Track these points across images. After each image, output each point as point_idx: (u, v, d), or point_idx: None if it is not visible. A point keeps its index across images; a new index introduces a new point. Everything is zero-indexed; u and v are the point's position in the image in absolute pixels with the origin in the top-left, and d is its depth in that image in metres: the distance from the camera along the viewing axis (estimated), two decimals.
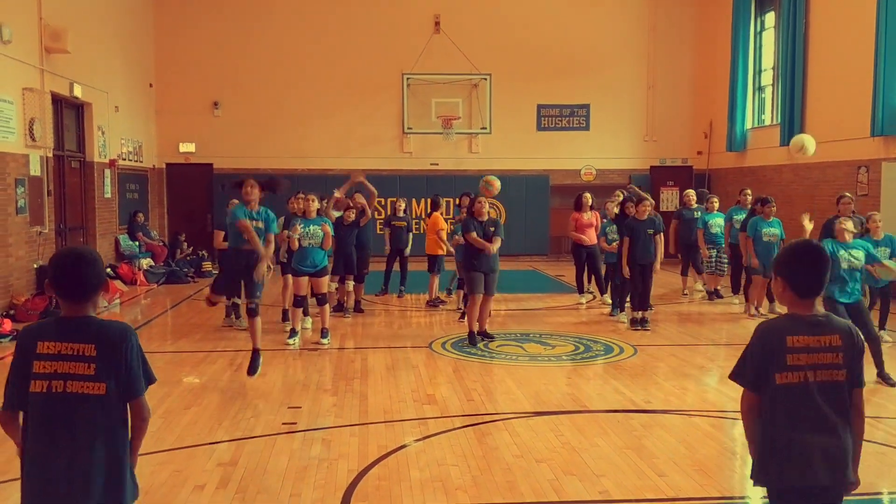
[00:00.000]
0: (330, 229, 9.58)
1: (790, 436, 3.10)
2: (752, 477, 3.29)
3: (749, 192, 12.85)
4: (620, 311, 11.28)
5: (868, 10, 13.73)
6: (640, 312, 10.58)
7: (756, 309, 11.48)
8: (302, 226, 9.47)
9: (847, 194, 10.77)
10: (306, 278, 9.47)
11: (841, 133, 14.79)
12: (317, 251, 9.46)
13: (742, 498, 5.12)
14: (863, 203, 14.13)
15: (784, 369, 3.11)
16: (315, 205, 9.63)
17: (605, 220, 12.16)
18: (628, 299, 11.02)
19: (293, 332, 9.62)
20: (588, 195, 12.88)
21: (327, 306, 9.79)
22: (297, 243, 9.41)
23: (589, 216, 12.56)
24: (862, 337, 3.27)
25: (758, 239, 11.13)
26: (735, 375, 3.29)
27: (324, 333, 9.67)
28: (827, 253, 3.26)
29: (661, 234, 10.77)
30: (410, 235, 13.32)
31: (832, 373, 3.13)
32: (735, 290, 12.80)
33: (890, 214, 13.44)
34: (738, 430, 6.52)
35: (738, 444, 6.19)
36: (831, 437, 3.10)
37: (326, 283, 9.91)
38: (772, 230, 11.14)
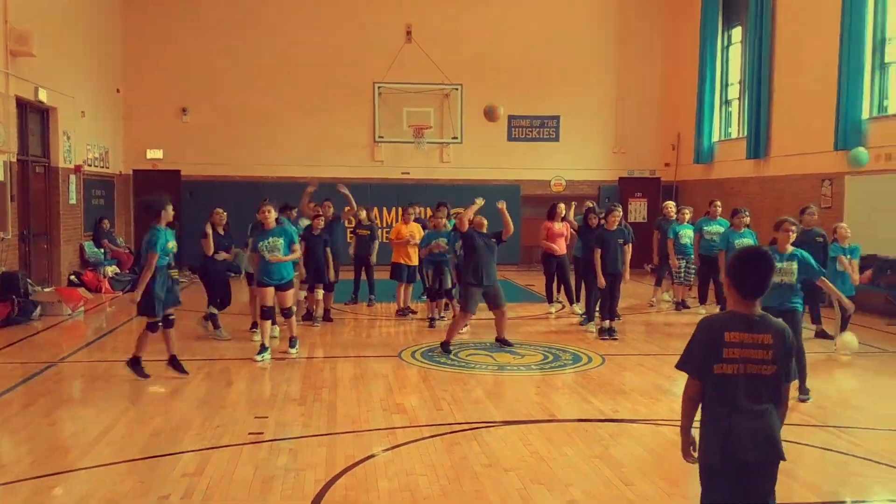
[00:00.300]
0: (296, 240, 9.42)
1: (724, 420, 3.44)
2: (685, 456, 3.72)
3: (719, 203, 12.98)
4: (590, 321, 11.34)
5: (832, 26, 14.00)
6: (608, 322, 10.66)
7: None
8: (260, 240, 9.20)
9: (811, 206, 11.00)
10: (272, 289, 9.23)
11: (805, 147, 15.05)
12: (283, 263, 9.25)
13: None
14: (826, 215, 14.37)
15: (721, 361, 3.46)
16: (272, 215, 9.31)
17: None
18: (597, 309, 11.09)
19: (263, 349, 9.26)
20: (562, 205, 12.92)
21: (293, 318, 9.60)
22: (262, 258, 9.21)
23: (560, 226, 12.66)
24: (793, 339, 3.54)
25: (731, 251, 11.00)
26: (681, 364, 3.69)
27: (292, 343, 9.50)
28: (771, 259, 3.55)
29: (630, 244, 10.86)
30: (376, 244, 13.28)
31: (761, 367, 3.45)
32: (702, 301, 12.93)
33: (852, 227, 13.70)
34: None
35: None
36: (758, 421, 3.42)
37: (293, 297, 9.66)
38: (744, 241, 11.01)
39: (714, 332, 3.52)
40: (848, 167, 13.76)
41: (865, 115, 13.65)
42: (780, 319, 3.59)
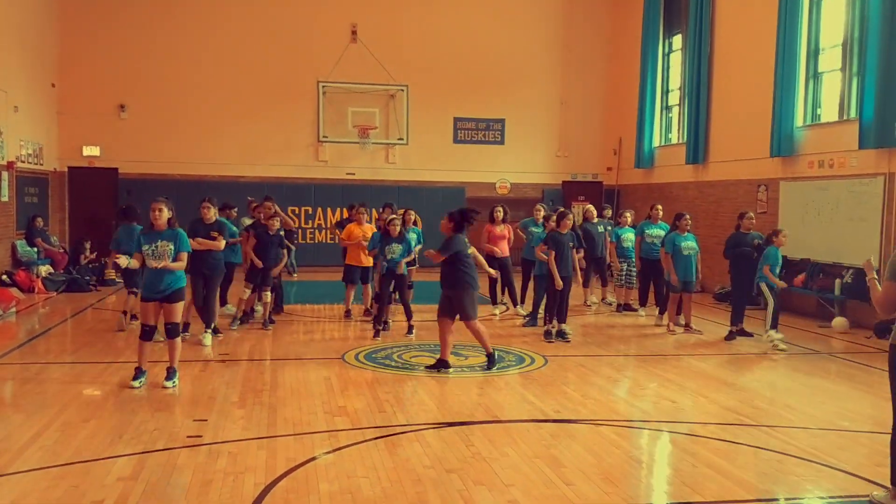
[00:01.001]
0: (187, 249, 7.92)
1: None
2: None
3: (660, 207, 13.17)
4: (534, 324, 11.49)
5: (769, 36, 14.39)
6: (557, 325, 10.73)
7: (673, 324, 11.64)
8: (145, 243, 7.73)
9: (749, 212, 11.34)
10: (154, 304, 7.80)
11: (742, 153, 15.44)
12: (171, 273, 7.75)
13: None
14: (763, 220, 14.76)
15: None
16: (164, 214, 7.76)
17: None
18: (541, 312, 11.21)
19: (139, 373, 7.88)
20: (500, 208, 13.06)
21: (179, 341, 8.02)
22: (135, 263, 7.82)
23: (501, 228, 12.84)
24: None
25: (677, 253, 11.31)
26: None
27: (170, 374, 7.90)
28: None
29: (581, 248, 11.10)
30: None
31: None
32: (643, 303, 13.13)
33: (787, 230, 14.08)
34: (644, 439, 6.69)
35: (644, 453, 6.34)
36: None
37: (180, 311, 8.07)
38: (688, 244, 11.32)
39: None
40: (783, 173, 14.17)
41: (799, 122, 14.06)
42: None
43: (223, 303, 12.17)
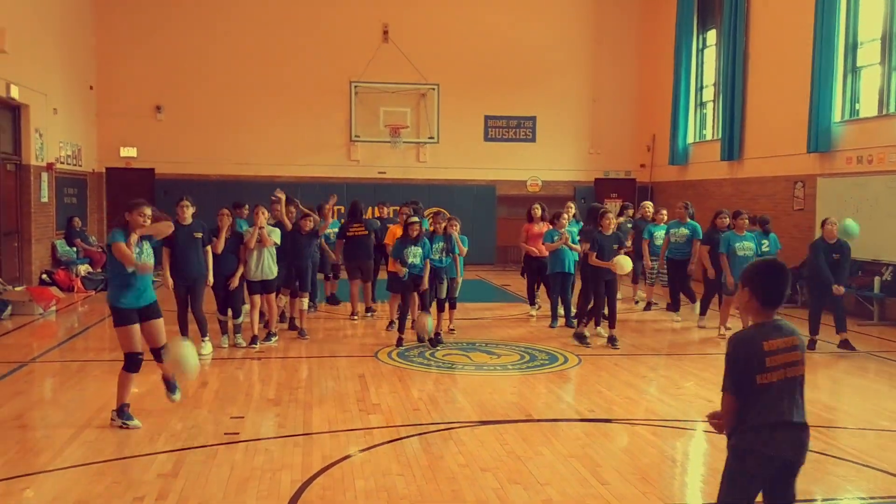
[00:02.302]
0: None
1: (768, 427, 3.52)
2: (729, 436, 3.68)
3: (688, 204, 12.92)
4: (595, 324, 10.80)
5: (805, 30, 14.18)
6: (608, 330, 10.24)
7: (724, 328, 10.97)
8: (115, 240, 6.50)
9: (832, 217, 10.48)
10: (137, 326, 6.65)
11: (779, 149, 15.23)
12: (149, 281, 6.81)
13: None
14: (799, 217, 14.57)
15: (764, 370, 3.51)
16: (149, 211, 6.71)
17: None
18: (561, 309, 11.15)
19: (125, 415, 6.47)
20: (538, 206, 12.68)
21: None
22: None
23: (540, 227, 12.28)
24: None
25: (732, 254, 10.55)
26: (726, 387, 3.60)
27: (171, 387, 6.81)
28: (787, 268, 3.71)
29: (623, 246, 10.40)
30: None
31: (797, 368, 3.60)
32: (675, 308, 12.53)
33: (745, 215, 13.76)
34: (679, 438, 6.65)
35: (679, 453, 6.30)
36: (798, 423, 3.60)
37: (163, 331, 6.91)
38: (746, 244, 10.60)
39: (752, 345, 3.55)
40: (821, 170, 13.97)
41: (837, 118, 13.84)
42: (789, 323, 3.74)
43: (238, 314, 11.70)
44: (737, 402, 3.54)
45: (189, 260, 9.03)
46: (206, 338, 9.43)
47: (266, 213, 9.91)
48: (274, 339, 10.06)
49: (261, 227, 9.63)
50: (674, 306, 12.60)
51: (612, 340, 10.16)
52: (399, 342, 10.07)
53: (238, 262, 9.61)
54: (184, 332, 8.91)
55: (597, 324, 10.61)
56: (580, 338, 10.28)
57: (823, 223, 10.34)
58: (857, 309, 12.86)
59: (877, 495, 5.30)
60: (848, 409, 7.48)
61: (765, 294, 3.62)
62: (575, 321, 10.96)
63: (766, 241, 11.59)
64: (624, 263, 9.91)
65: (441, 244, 10.21)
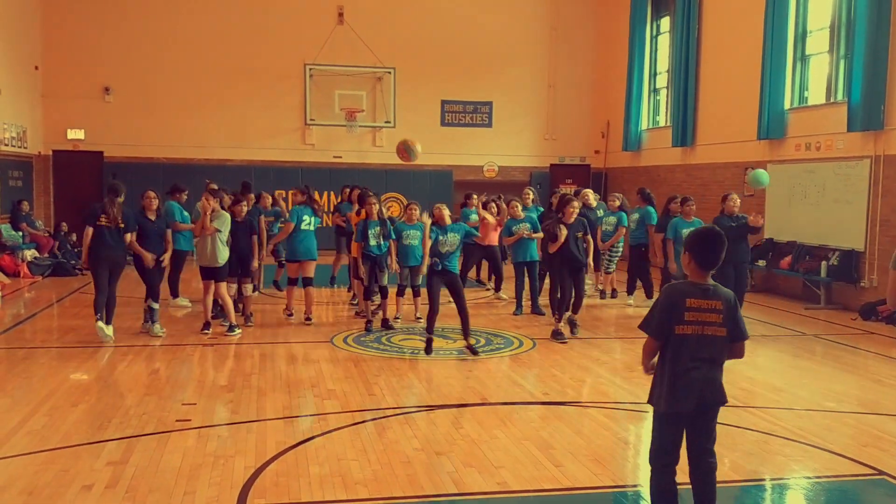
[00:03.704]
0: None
1: (683, 374, 4.09)
2: (649, 401, 4.40)
3: (642, 189, 13.05)
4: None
5: (757, 18, 14.39)
6: (570, 316, 10.00)
7: None
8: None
9: (733, 193, 10.93)
10: None
11: (729, 136, 15.47)
12: None
13: (634, 486, 5.28)
14: (749, 203, 14.81)
15: (682, 323, 4.07)
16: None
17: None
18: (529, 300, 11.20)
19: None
20: (475, 196, 13.22)
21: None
22: None
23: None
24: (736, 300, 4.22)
25: (678, 241, 10.35)
26: (643, 325, 4.29)
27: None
28: (723, 237, 4.14)
29: (587, 234, 10.06)
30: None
31: (715, 329, 4.08)
32: (629, 291, 12.68)
33: (773, 213, 14.18)
34: (632, 420, 6.74)
35: (632, 435, 6.38)
36: (711, 373, 4.12)
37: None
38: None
39: (676, 298, 4.09)
40: (770, 156, 14.23)
41: (787, 105, 14.09)
42: (728, 289, 4.22)
43: (175, 294, 11.61)
44: (655, 345, 4.22)
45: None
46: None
47: (211, 199, 9.68)
48: (237, 331, 9.72)
49: (204, 214, 9.50)
50: (629, 290, 12.70)
51: (572, 325, 10.02)
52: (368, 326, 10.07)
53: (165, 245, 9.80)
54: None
55: (559, 318, 9.96)
56: (557, 335, 9.75)
57: (725, 198, 10.68)
58: (804, 293, 13.17)
59: (823, 474, 5.43)
60: (795, 390, 7.66)
61: (701, 258, 4.11)
62: (543, 309, 10.97)
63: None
64: None
65: (377, 229, 9.96)
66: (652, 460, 4.31)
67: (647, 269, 12.51)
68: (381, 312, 10.29)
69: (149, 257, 9.42)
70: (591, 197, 12.97)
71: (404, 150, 11.18)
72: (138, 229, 9.37)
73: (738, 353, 4.23)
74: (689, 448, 4.25)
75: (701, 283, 4.12)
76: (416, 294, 10.80)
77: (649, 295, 12.18)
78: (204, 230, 9.47)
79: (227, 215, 9.78)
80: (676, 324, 4.06)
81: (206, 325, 9.71)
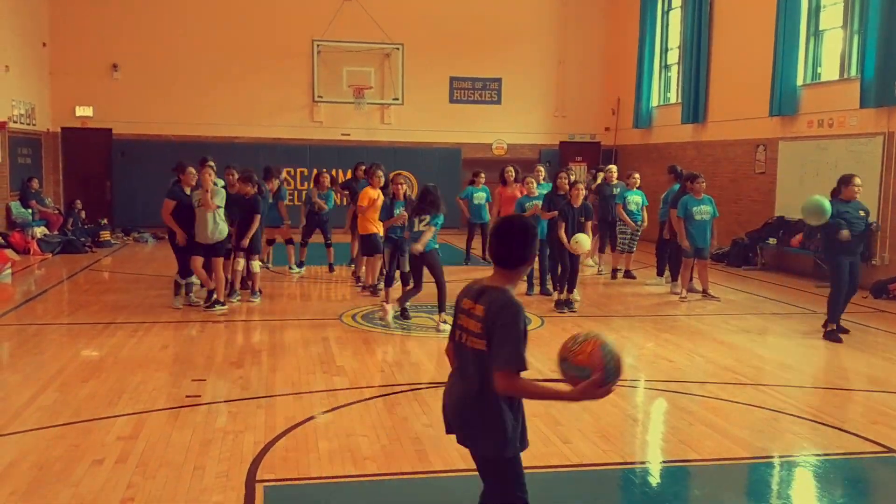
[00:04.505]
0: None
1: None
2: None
3: (637, 175, 12.84)
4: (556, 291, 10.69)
5: None
6: (565, 294, 10.21)
7: (686, 291, 11.06)
8: None
9: (856, 177, 9.98)
10: None
11: (741, 112, 15.32)
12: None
13: (643, 463, 5.28)
14: (760, 180, 14.73)
15: (455, 326, 3.42)
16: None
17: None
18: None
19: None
20: (511, 169, 12.53)
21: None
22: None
23: (513, 189, 12.17)
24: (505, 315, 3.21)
25: (689, 218, 10.65)
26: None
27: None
28: (535, 228, 3.34)
29: (589, 219, 10.26)
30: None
31: (473, 339, 3.22)
32: (660, 273, 12.44)
33: (785, 190, 14.08)
34: (640, 398, 6.73)
35: (640, 412, 6.38)
36: (453, 398, 3.38)
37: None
38: (703, 208, 10.70)
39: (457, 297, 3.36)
40: (782, 133, 14.10)
41: (799, 81, 13.93)
42: (498, 292, 3.21)
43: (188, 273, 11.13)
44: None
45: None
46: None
47: (213, 174, 9.69)
48: (219, 307, 9.60)
49: (205, 190, 9.46)
50: (659, 271, 12.49)
51: (568, 304, 10.16)
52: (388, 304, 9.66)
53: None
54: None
55: (560, 291, 10.31)
56: (565, 304, 10.07)
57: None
58: (815, 271, 13.09)
59: (832, 452, 5.42)
60: (805, 368, 7.63)
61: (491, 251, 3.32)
62: (551, 289, 10.88)
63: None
64: (583, 242, 9.95)
65: (402, 210, 9.58)
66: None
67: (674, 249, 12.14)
68: (392, 292, 10.14)
69: (182, 235, 9.61)
70: (614, 173, 13.02)
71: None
72: (176, 205, 9.55)
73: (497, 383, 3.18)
74: None
75: (476, 280, 3.38)
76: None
77: (675, 277, 11.65)
78: (206, 206, 9.44)
79: (223, 192, 9.75)
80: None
81: (231, 292, 10.16)
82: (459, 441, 3.35)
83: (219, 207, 9.50)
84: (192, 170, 9.80)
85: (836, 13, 13.42)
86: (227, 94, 19.22)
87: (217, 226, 9.52)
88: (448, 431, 3.38)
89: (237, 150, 17.75)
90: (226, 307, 9.73)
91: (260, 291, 10.54)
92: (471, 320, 3.17)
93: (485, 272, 11.50)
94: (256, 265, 10.46)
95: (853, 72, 12.81)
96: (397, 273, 9.84)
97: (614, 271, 12.98)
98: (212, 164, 10.44)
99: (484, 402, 3.20)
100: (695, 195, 10.81)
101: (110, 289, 11.16)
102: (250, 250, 10.26)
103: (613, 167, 13.51)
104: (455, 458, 5.08)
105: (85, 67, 18.63)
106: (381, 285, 10.20)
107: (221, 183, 11.02)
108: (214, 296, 9.73)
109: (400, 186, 9.76)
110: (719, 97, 16.28)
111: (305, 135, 19.72)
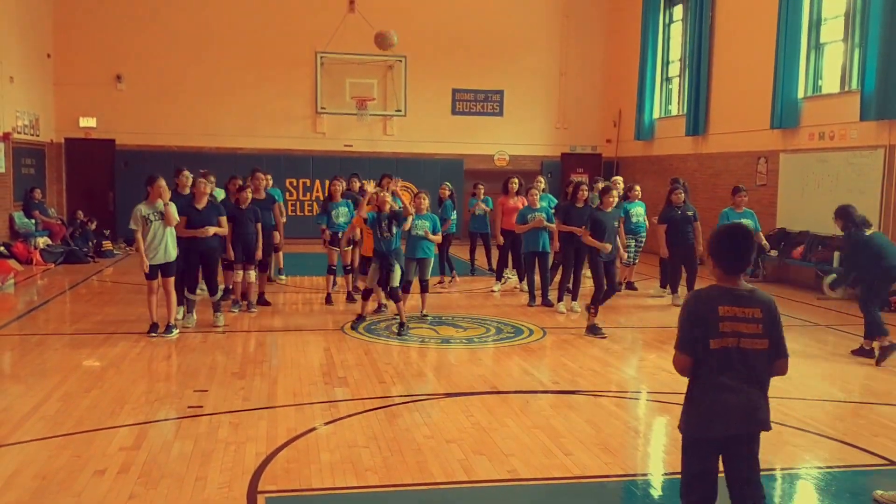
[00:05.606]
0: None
1: (714, 393, 3.50)
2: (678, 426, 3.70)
3: (638, 188, 12.87)
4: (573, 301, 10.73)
5: (771, 6, 14.26)
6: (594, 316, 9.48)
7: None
8: None
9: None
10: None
11: (742, 125, 15.37)
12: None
13: (644, 475, 5.28)
14: (762, 192, 14.74)
15: (717, 335, 3.48)
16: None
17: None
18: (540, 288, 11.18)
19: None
20: (515, 180, 12.50)
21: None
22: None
23: (515, 201, 12.17)
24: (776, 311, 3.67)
25: None
26: (679, 344, 3.58)
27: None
28: (749, 234, 3.61)
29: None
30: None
31: (753, 341, 3.54)
32: (664, 285, 12.34)
33: (786, 202, 14.11)
34: (642, 409, 6.73)
35: (642, 424, 6.38)
36: (749, 394, 3.54)
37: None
38: (744, 221, 10.01)
39: (706, 306, 3.52)
40: (784, 145, 14.13)
41: (800, 94, 13.98)
42: (766, 293, 3.66)
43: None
44: (689, 361, 3.53)
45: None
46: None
47: (209, 185, 9.54)
48: (174, 332, 8.87)
49: (165, 204, 8.65)
50: (673, 287, 11.97)
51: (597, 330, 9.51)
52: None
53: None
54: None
55: (595, 312, 9.53)
56: (594, 330, 9.39)
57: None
58: (816, 283, 13.09)
59: (834, 464, 5.42)
60: (806, 380, 7.63)
61: (725, 261, 3.57)
62: (564, 305, 10.74)
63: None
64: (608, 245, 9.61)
65: (386, 223, 9.37)
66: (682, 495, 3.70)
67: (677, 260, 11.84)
68: (368, 305, 10.20)
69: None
70: (621, 185, 13.08)
71: (382, 39, 11.54)
72: (185, 218, 9.04)
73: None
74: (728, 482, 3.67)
75: (731, 288, 3.56)
76: (423, 289, 10.29)
77: (690, 288, 11.26)
78: (168, 221, 8.67)
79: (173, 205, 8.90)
80: (712, 336, 3.48)
81: (234, 303, 10.32)
82: (749, 437, 3.62)
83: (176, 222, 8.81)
84: (187, 173, 9.78)
85: (836, 26, 13.47)
86: (230, 105, 19.30)
87: (172, 242, 8.81)
88: (737, 438, 3.57)
89: (240, 161, 17.81)
90: (177, 332, 8.96)
91: (256, 302, 10.58)
92: (748, 325, 3.52)
93: (488, 282, 11.50)
94: (252, 275, 10.39)
95: (854, 85, 12.85)
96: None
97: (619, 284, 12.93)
98: (212, 178, 10.50)
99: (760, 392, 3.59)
100: (735, 208, 10.80)
101: (113, 299, 11.18)
102: (248, 261, 10.23)
103: (619, 178, 13.61)
104: (457, 470, 5.08)
105: (89, 78, 18.72)
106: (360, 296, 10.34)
107: (221, 194, 11.13)
108: (172, 319, 8.97)
109: (385, 200, 9.53)
110: (720, 109, 16.33)
111: (308, 146, 19.78)
